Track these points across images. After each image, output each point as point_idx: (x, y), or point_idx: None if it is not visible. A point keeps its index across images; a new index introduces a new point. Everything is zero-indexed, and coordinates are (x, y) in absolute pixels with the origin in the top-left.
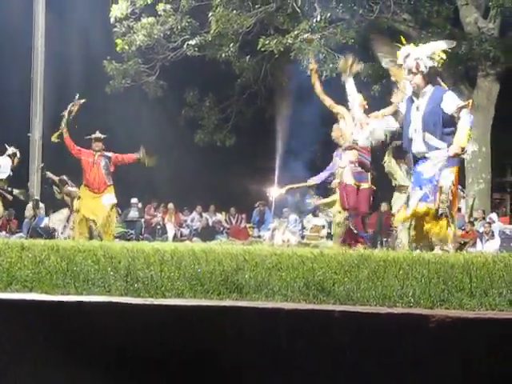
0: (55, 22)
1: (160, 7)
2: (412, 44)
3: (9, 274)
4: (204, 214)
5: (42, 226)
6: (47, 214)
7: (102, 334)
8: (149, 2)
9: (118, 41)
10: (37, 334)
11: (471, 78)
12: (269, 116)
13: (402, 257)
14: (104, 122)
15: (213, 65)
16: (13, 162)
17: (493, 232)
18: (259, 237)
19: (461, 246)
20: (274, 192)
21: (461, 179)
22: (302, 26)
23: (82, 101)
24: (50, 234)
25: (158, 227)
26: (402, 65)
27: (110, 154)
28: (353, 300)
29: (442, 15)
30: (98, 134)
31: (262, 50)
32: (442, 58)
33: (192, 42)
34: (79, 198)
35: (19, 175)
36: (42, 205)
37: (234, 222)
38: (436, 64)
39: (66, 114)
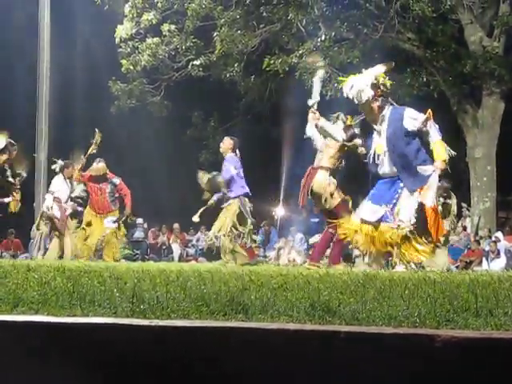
0: (60, 42)
1: (165, 27)
2: (356, 75)
3: (15, 295)
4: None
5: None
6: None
7: (107, 354)
8: (153, 23)
9: (123, 61)
10: (42, 356)
11: (476, 96)
12: (274, 135)
13: (407, 276)
14: (109, 142)
15: (217, 85)
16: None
17: (498, 250)
18: (265, 257)
19: (466, 265)
20: (280, 212)
21: (466, 198)
22: (307, 45)
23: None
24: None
25: (164, 247)
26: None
27: (116, 181)
28: (358, 320)
29: (446, 34)
30: (100, 165)
31: (267, 69)
32: (384, 83)
33: (197, 62)
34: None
35: (24, 195)
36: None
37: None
38: (381, 88)
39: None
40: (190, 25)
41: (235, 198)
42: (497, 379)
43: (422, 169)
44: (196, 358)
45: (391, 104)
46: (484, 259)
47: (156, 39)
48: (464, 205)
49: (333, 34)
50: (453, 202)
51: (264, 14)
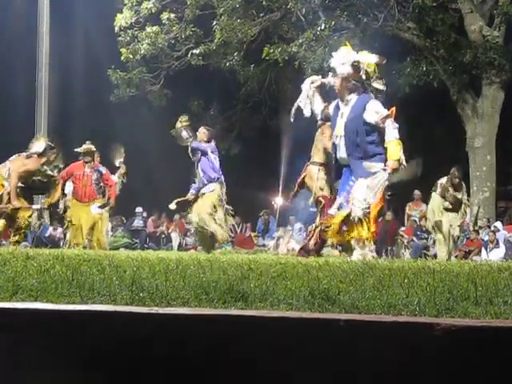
0: (60, 31)
1: (164, 16)
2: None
3: (14, 283)
4: None
5: (47, 235)
6: (52, 224)
7: (106, 341)
8: (153, 11)
9: (123, 50)
10: (42, 343)
11: (476, 86)
12: (273, 124)
13: (406, 266)
14: (108, 131)
15: (217, 74)
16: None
17: (497, 240)
18: (264, 245)
19: (466, 255)
20: (279, 201)
21: (465, 187)
22: (307, 34)
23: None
24: (54, 243)
25: (163, 236)
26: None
27: (103, 170)
28: (358, 309)
29: (446, 23)
30: (88, 146)
31: (267, 58)
32: (367, 71)
33: (196, 51)
34: (69, 208)
35: None
36: (46, 214)
37: (238, 230)
38: (361, 74)
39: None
40: (190, 13)
41: (216, 183)
42: (496, 368)
43: (367, 165)
44: (195, 345)
45: (365, 93)
46: (483, 249)
47: (155, 28)
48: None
49: (333, 23)
50: (462, 191)
51: (264, 2)
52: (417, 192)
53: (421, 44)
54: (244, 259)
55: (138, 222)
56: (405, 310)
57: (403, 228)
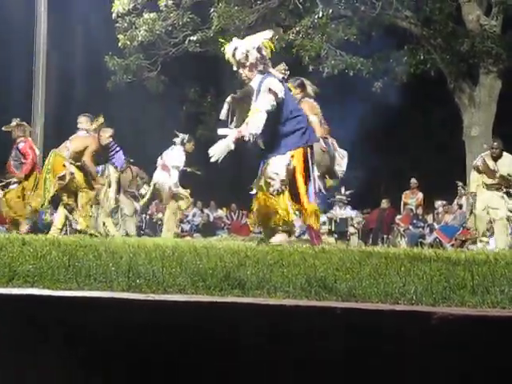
0: (57, 16)
1: (162, 3)
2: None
3: (10, 268)
4: (205, 210)
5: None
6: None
7: (103, 327)
8: None
9: (120, 36)
10: (37, 329)
11: (473, 75)
12: None
13: (403, 254)
14: (105, 117)
15: (214, 61)
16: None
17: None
18: (260, 233)
19: (462, 244)
20: None
21: (462, 176)
22: (304, 22)
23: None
24: (49, 228)
25: (159, 223)
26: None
27: (20, 145)
28: (355, 297)
29: (444, 12)
30: (14, 123)
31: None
32: (270, 48)
33: (193, 38)
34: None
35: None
36: None
37: (235, 218)
38: (265, 54)
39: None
40: (187, 0)
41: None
42: (492, 355)
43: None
44: (192, 332)
45: (269, 72)
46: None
47: (153, 14)
48: (460, 183)
49: (330, 11)
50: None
51: None
52: (413, 180)
53: (418, 33)
54: (240, 246)
55: None
56: (402, 298)
57: (399, 216)
